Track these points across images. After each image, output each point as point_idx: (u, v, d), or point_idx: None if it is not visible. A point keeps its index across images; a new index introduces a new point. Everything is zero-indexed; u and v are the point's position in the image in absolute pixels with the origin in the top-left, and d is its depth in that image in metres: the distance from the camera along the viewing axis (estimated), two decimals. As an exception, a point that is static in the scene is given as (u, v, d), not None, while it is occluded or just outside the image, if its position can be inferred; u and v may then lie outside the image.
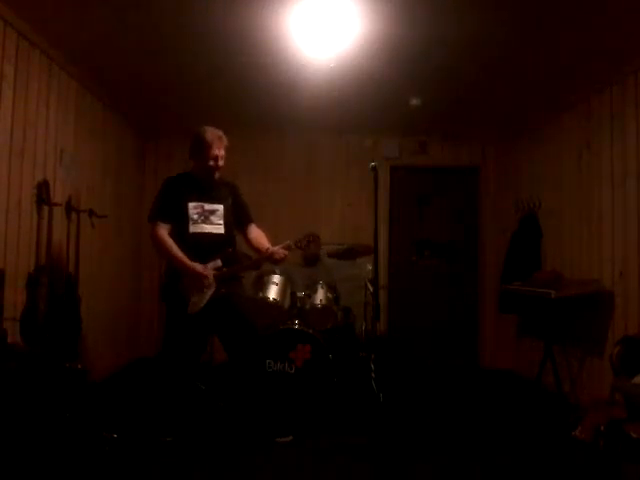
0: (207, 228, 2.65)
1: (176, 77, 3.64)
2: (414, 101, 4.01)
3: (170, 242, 2.61)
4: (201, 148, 2.64)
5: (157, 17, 2.77)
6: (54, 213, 3.11)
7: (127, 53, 3.24)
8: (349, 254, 4.01)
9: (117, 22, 2.82)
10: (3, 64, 2.69)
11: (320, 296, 3.78)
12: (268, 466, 2.52)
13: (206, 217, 2.66)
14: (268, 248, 2.70)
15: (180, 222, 2.63)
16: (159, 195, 2.71)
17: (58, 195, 3.26)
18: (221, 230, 2.69)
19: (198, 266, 2.58)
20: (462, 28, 2.83)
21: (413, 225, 5.14)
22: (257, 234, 2.85)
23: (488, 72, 3.46)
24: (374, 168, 2.77)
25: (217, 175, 2.74)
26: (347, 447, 2.75)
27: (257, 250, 2.79)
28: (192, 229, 2.63)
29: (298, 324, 3.57)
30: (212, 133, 2.65)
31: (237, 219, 2.82)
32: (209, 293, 2.60)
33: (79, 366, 3.08)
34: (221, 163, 2.68)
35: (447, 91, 3.84)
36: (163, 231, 2.62)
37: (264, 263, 2.87)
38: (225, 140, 2.68)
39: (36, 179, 3.02)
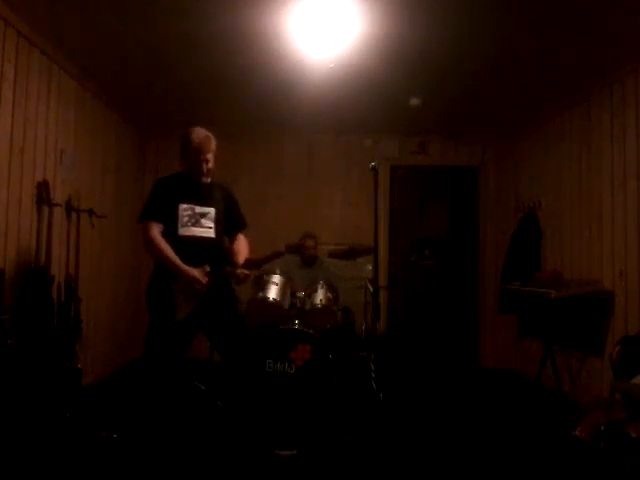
0: (197, 231, 2.54)
1: (176, 76, 3.64)
2: (414, 101, 4.01)
3: (164, 244, 2.49)
4: (188, 150, 2.56)
5: (157, 17, 2.77)
6: (54, 213, 3.12)
7: (127, 53, 3.24)
8: (349, 254, 4.00)
9: (117, 22, 2.83)
10: (3, 64, 2.70)
11: (320, 296, 3.77)
12: (267, 465, 2.51)
13: (197, 220, 2.55)
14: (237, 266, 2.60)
15: (170, 224, 2.52)
16: (152, 195, 2.60)
17: (58, 195, 3.26)
18: (211, 234, 2.58)
19: (193, 270, 2.45)
20: (462, 28, 2.83)
21: (413, 225, 5.14)
22: (238, 246, 2.72)
23: (488, 72, 3.46)
24: (374, 168, 2.77)
25: (209, 177, 2.65)
26: (347, 447, 2.75)
27: (231, 262, 2.66)
28: (181, 231, 2.52)
29: (298, 324, 3.57)
30: (199, 134, 2.56)
31: (227, 224, 2.72)
32: (199, 299, 2.49)
33: (79, 366, 3.09)
34: (210, 165, 2.59)
35: (447, 91, 3.84)
36: (156, 231, 2.51)
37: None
38: (213, 141, 2.59)
39: (36, 179, 3.03)
